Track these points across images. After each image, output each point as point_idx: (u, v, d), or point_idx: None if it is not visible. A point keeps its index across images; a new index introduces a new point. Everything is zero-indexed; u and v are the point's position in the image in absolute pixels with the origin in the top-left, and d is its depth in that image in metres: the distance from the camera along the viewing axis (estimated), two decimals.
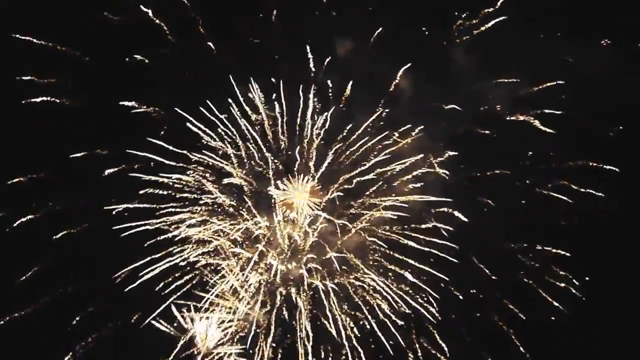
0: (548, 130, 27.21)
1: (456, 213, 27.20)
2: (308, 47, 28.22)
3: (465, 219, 27.01)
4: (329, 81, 28.15)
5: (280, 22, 29.62)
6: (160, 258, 26.97)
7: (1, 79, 27.58)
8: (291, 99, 28.04)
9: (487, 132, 28.21)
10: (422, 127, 27.69)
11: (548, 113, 27.36)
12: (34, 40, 27.40)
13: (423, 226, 27.25)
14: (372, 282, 27.25)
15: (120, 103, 27.64)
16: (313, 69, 28.23)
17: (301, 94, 27.78)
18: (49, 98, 27.45)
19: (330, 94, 28.24)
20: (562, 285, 27.77)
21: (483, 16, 28.00)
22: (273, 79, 28.09)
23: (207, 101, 27.30)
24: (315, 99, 27.74)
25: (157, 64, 28.83)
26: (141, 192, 27.38)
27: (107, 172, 27.42)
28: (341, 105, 28.18)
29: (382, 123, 27.97)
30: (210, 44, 28.73)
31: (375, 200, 27.82)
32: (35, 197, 27.84)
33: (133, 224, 26.92)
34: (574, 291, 27.71)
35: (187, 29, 29.16)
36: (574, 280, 27.82)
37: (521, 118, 27.81)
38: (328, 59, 28.24)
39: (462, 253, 26.95)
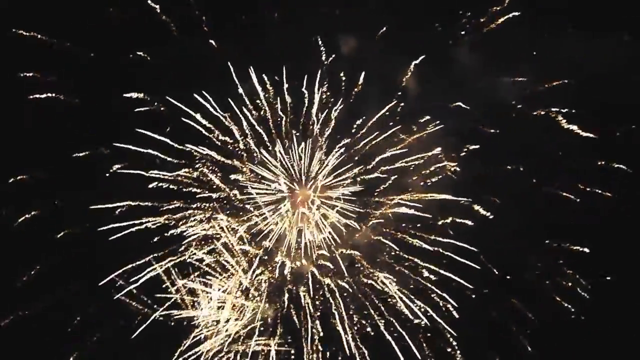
0: (557, 128, 26.94)
1: (476, 207, 27.05)
2: (319, 39, 28.08)
3: (488, 214, 26.84)
4: (341, 74, 27.97)
5: (284, 20, 29.32)
6: (163, 256, 26.84)
7: (3, 75, 27.29)
8: (296, 96, 27.95)
9: (494, 130, 27.94)
10: (437, 122, 27.58)
11: (557, 111, 27.06)
12: (38, 36, 27.15)
13: (440, 222, 27.06)
14: (382, 281, 27.10)
15: (125, 95, 27.36)
16: (325, 61, 28.08)
17: (305, 91, 27.70)
18: (51, 95, 27.22)
19: (343, 86, 28.04)
20: (570, 284, 27.59)
21: (491, 14, 27.68)
22: (277, 77, 27.88)
23: (210, 97, 27.20)
24: (328, 92, 27.63)
25: (160, 61, 28.56)
26: (144, 189, 27.12)
27: (111, 169, 27.23)
28: (351, 100, 27.97)
29: (398, 118, 27.79)
30: (212, 41, 28.47)
31: (384, 199, 27.64)
32: (37, 196, 27.62)
33: (137, 221, 26.73)
34: (581, 292, 27.46)
35: (189, 26, 28.83)
36: (582, 280, 27.56)
37: (530, 116, 27.49)
38: (332, 56, 28.10)
39: (473, 252, 26.72)
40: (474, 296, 26.98)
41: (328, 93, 27.75)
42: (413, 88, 28.26)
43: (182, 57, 28.77)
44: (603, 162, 27.24)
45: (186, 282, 26.99)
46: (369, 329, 27.25)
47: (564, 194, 27.44)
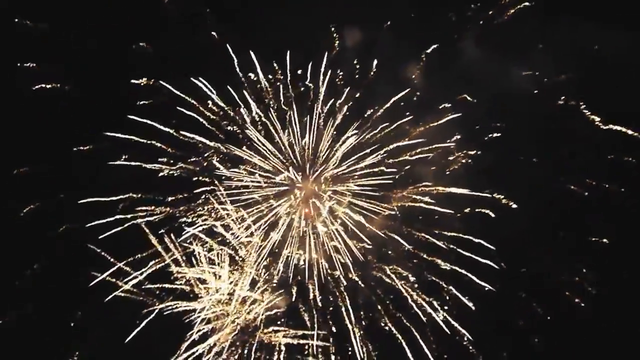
0: (569, 120, 26.73)
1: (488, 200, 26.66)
2: (332, 28, 27.94)
3: (515, 205, 26.54)
4: (355, 61, 27.90)
5: (287, 14, 28.99)
6: (169, 249, 26.40)
7: (5, 67, 26.95)
8: (303, 86, 27.84)
9: (504, 123, 27.73)
10: (452, 113, 27.20)
11: (564, 104, 26.83)
12: (39, 27, 26.96)
13: (459, 214, 26.71)
14: (391, 275, 26.87)
15: (132, 82, 27.05)
16: (336, 46, 27.85)
17: (311, 84, 27.54)
18: (53, 85, 26.96)
19: (357, 74, 27.84)
20: (578, 279, 27.20)
21: (501, 5, 27.49)
22: (280, 66, 27.75)
23: (212, 88, 27.06)
24: (342, 81, 27.44)
25: (162, 53, 28.29)
26: (147, 182, 26.96)
27: (113, 162, 26.83)
28: (361, 90, 27.76)
29: (411, 108, 27.40)
30: (214, 33, 28.22)
31: (393, 193, 27.34)
32: (37, 190, 27.26)
33: (142, 213, 26.47)
34: (589, 287, 27.09)
35: (192, 18, 28.95)
36: (589, 275, 27.21)
37: (541, 108, 27.28)
38: (337, 49, 27.98)
39: (482, 246, 26.36)
40: (487, 288, 26.58)
41: (342, 81, 27.63)
42: (422, 80, 28.12)
43: (185, 49, 28.48)
44: (613, 156, 27.00)
45: (194, 271, 26.49)
46: (376, 322, 26.93)
47: (572, 187, 27.20)
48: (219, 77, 27.58)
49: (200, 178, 27.44)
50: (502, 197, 26.81)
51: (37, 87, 26.67)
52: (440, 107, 27.44)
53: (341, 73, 27.68)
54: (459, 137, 27.38)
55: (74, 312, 27.73)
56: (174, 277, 26.22)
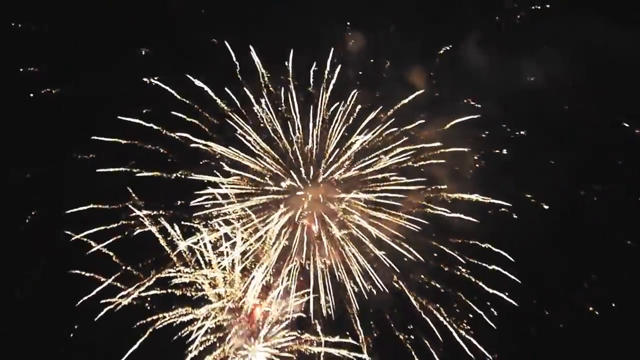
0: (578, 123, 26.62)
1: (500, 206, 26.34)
2: (347, 24, 27.66)
3: (547, 207, 26.26)
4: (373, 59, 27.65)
5: (290, 14, 28.97)
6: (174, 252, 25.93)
7: (7, 71, 26.70)
8: (304, 91, 27.49)
9: (512, 126, 27.58)
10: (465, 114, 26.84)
11: (578, 106, 26.79)
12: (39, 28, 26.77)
13: (474, 219, 26.10)
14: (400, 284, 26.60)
15: (144, 79, 26.62)
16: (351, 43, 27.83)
17: (313, 90, 27.23)
18: (54, 89, 26.68)
19: (366, 75, 27.66)
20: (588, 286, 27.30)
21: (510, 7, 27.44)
22: (284, 69, 27.40)
23: (215, 94, 26.71)
24: (360, 81, 27.11)
25: (163, 55, 28.15)
26: (151, 187, 26.46)
27: (113, 170, 26.23)
28: (370, 92, 27.49)
29: (427, 108, 27.13)
30: (214, 40, 27.74)
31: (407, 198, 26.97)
32: (37, 197, 27.02)
33: (146, 220, 25.92)
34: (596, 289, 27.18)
35: (192, 22, 28.81)
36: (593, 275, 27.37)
37: (551, 111, 27.24)
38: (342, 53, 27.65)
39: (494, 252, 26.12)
40: (503, 294, 26.18)
41: (359, 82, 27.21)
42: (433, 82, 27.92)
43: (185, 49, 28.32)
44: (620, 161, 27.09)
45: (202, 274, 25.93)
46: (387, 331, 26.69)
47: (582, 192, 27.16)
48: (220, 77, 27.29)
49: (205, 180, 26.89)
50: (531, 196, 26.69)
51: (36, 90, 26.47)
52: (452, 110, 27.22)
53: (361, 73, 27.61)
54: (472, 140, 27.19)
55: (72, 323, 27.01)
56: (182, 282, 25.76)
